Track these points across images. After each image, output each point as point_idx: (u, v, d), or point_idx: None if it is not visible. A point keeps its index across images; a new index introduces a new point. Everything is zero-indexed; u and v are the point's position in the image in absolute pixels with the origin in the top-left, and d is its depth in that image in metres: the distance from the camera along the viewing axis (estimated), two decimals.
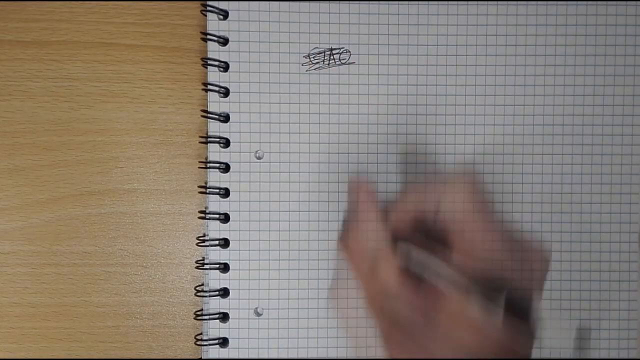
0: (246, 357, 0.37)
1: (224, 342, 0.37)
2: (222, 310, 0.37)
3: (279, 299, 0.38)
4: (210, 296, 0.37)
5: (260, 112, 0.37)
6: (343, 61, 0.37)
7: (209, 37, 0.37)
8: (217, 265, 0.37)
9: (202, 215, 0.37)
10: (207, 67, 0.37)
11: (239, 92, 0.37)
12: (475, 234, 0.30)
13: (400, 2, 0.37)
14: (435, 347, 0.30)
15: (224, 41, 0.37)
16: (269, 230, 0.37)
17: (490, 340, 0.29)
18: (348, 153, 0.37)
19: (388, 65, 0.37)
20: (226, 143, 0.37)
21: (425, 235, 0.32)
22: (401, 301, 0.31)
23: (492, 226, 0.31)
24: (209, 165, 0.37)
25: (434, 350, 0.30)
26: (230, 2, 0.37)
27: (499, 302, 0.27)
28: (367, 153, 0.38)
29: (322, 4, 0.37)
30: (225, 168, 0.37)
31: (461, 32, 0.37)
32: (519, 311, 0.27)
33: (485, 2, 0.37)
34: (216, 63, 0.37)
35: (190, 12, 0.38)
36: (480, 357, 0.30)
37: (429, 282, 0.30)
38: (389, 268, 0.31)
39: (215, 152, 0.37)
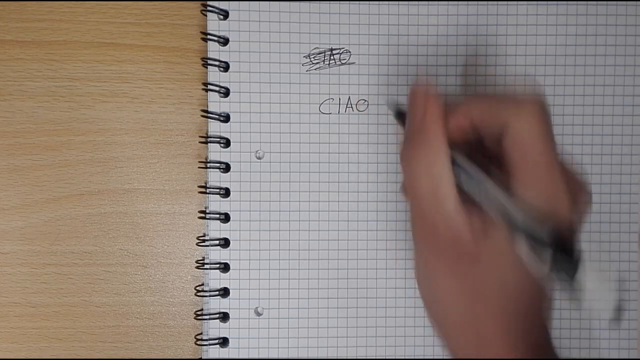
0: (246, 357, 0.37)
1: (224, 342, 0.37)
2: (222, 310, 0.37)
3: (279, 299, 0.38)
4: (210, 296, 0.37)
5: (260, 112, 0.37)
6: (343, 61, 0.37)
7: (209, 37, 0.37)
8: (217, 265, 0.37)
9: (202, 215, 0.37)
10: (207, 67, 0.37)
11: (239, 92, 0.37)
12: (539, 166, 0.28)
13: (400, 2, 0.37)
14: (477, 279, 0.29)
15: (224, 41, 0.37)
16: (269, 230, 0.37)
17: (530, 280, 0.28)
18: (348, 153, 0.38)
19: (388, 65, 0.37)
20: (226, 143, 0.37)
21: (482, 154, 0.30)
22: (454, 220, 0.29)
23: (554, 158, 0.28)
24: (209, 165, 0.37)
25: (475, 282, 0.29)
26: (231, 2, 0.37)
27: (545, 252, 0.26)
28: (367, 153, 0.38)
29: (322, 4, 0.37)
30: (226, 168, 0.37)
31: (461, 32, 0.37)
32: (563, 253, 0.25)
33: (485, 2, 0.37)
34: (216, 63, 0.37)
35: (190, 12, 0.38)
36: (518, 295, 0.29)
37: (480, 206, 0.29)
38: (447, 185, 0.29)
39: (215, 152, 0.37)
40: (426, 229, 0.30)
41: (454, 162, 0.29)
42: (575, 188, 0.30)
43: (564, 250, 0.25)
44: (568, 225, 0.28)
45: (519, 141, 0.28)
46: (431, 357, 0.38)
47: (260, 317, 0.38)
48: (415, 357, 0.37)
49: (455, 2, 0.37)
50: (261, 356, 0.37)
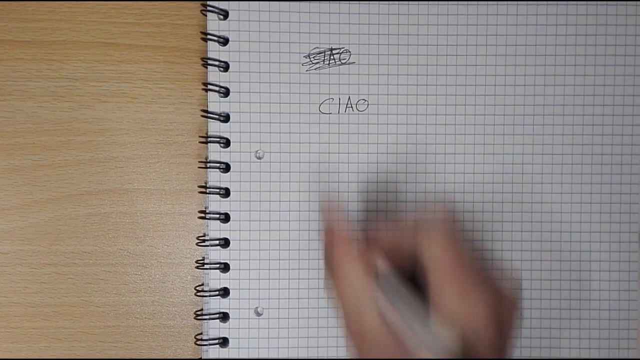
0: (246, 357, 0.37)
1: (224, 342, 0.37)
2: (222, 310, 0.37)
3: (279, 299, 0.38)
4: (210, 296, 0.37)
5: (260, 112, 0.37)
6: (343, 61, 0.37)
7: (209, 37, 0.37)
8: (217, 265, 0.37)
9: (202, 215, 0.37)
10: (207, 67, 0.37)
11: (239, 92, 0.37)
12: (452, 293, 0.30)
13: (400, 2, 0.37)
14: None
15: (224, 41, 0.37)
16: (269, 230, 0.37)
17: None
18: (348, 153, 0.38)
19: (388, 65, 0.37)
20: (226, 143, 0.37)
21: (405, 274, 0.32)
22: (375, 332, 0.31)
23: (466, 278, 0.30)
24: (209, 165, 0.37)
25: None
26: (230, 2, 0.37)
27: None
28: (367, 153, 0.38)
29: (322, 4, 0.37)
30: (226, 168, 0.37)
31: (461, 32, 0.37)
32: None
33: (485, 2, 0.37)
34: (216, 63, 0.37)
35: (190, 12, 0.38)
36: None
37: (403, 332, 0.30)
38: (370, 314, 0.31)
39: (215, 152, 0.37)
40: (354, 335, 0.32)
41: (378, 277, 0.31)
42: (501, 301, 0.31)
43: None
44: (480, 337, 0.29)
45: (431, 269, 0.30)
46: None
47: (260, 317, 0.38)
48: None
49: (455, 2, 0.37)
50: (261, 356, 0.37)
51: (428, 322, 0.29)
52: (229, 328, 0.37)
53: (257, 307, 0.38)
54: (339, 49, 0.37)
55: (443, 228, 0.31)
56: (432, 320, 0.29)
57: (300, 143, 0.37)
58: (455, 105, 0.38)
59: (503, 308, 0.31)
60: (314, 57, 0.37)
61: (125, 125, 0.38)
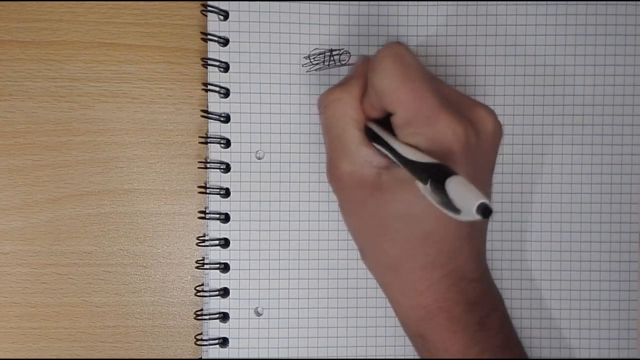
0: (246, 357, 0.37)
1: (224, 342, 0.37)
2: (222, 310, 0.37)
3: (279, 299, 0.38)
4: (210, 296, 0.37)
5: (260, 112, 0.37)
6: (343, 62, 0.37)
7: (209, 37, 0.37)
8: (217, 265, 0.37)
9: (202, 215, 0.37)
10: (207, 68, 0.37)
11: (240, 93, 0.37)
12: (409, 102, 0.29)
13: (400, 3, 0.37)
14: (379, 207, 0.30)
15: (225, 41, 0.37)
16: (269, 230, 0.37)
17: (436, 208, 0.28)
18: None
19: None
20: (227, 143, 0.37)
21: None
22: (357, 156, 0.31)
23: (426, 91, 0.29)
24: (209, 165, 0.37)
25: (377, 210, 0.31)
26: (231, 2, 0.37)
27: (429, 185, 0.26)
28: None
29: (322, 4, 0.37)
30: (226, 168, 0.37)
31: (461, 33, 0.37)
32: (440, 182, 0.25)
33: (485, 2, 0.37)
34: (216, 63, 0.37)
35: (190, 12, 0.38)
36: (423, 221, 0.30)
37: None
38: (352, 126, 0.31)
39: (215, 152, 0.37)
40: (334, 171, 0.32)
41: (368, 128, 0.31)
42: (473, 113, 0.30)
43: (442, 177, 0.25)
44: (454, 151, 0.29)
45: (380, 94, 0.30)
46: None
47: (260, 317, 0.38)
48: (415, 357, 0.37)
49: (455, 2, 0.37)
50: (261, 356, 0.37)
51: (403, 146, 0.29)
52: (229, 328, 0.37)
53: (257, 307, 0.38)
54: (339, 50, 0.37)
55: (389, 53, 0.30)
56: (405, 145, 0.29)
57: (300, 143, 0.37)
58: None
59: (476, 133, 0.30)
60: (313, 58, 0.37)
61: (125, 126, 0.38)
